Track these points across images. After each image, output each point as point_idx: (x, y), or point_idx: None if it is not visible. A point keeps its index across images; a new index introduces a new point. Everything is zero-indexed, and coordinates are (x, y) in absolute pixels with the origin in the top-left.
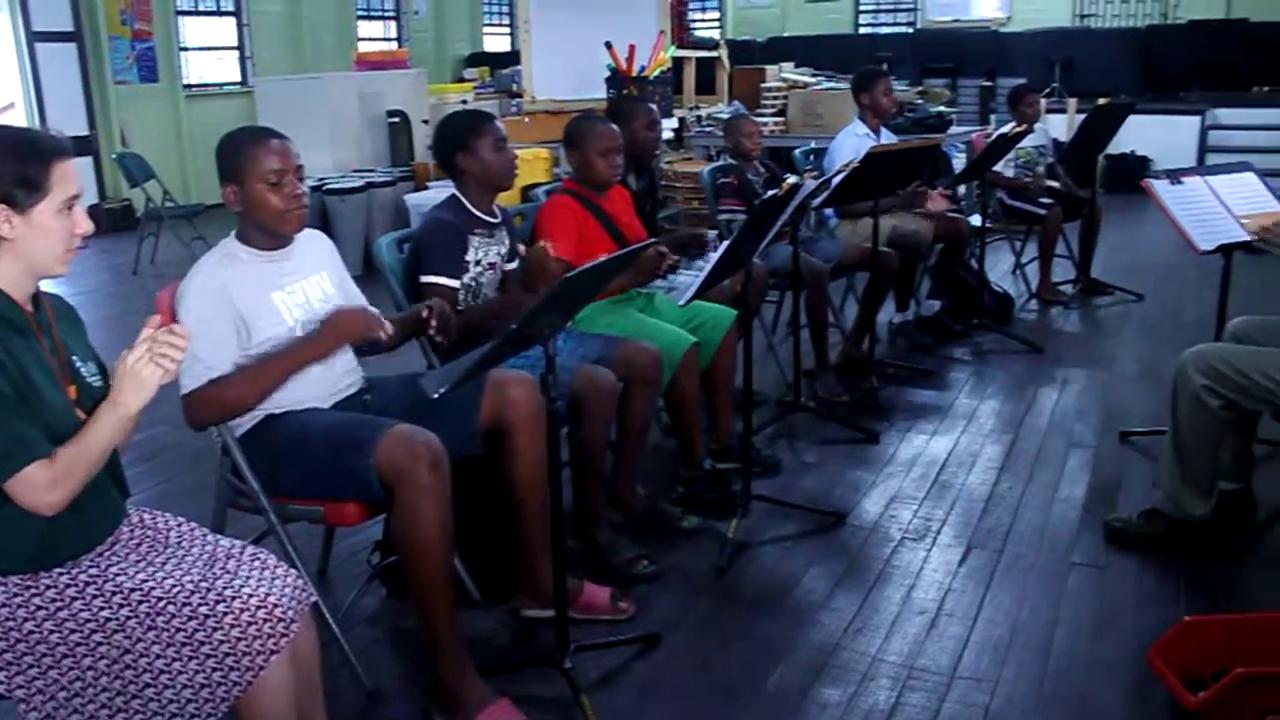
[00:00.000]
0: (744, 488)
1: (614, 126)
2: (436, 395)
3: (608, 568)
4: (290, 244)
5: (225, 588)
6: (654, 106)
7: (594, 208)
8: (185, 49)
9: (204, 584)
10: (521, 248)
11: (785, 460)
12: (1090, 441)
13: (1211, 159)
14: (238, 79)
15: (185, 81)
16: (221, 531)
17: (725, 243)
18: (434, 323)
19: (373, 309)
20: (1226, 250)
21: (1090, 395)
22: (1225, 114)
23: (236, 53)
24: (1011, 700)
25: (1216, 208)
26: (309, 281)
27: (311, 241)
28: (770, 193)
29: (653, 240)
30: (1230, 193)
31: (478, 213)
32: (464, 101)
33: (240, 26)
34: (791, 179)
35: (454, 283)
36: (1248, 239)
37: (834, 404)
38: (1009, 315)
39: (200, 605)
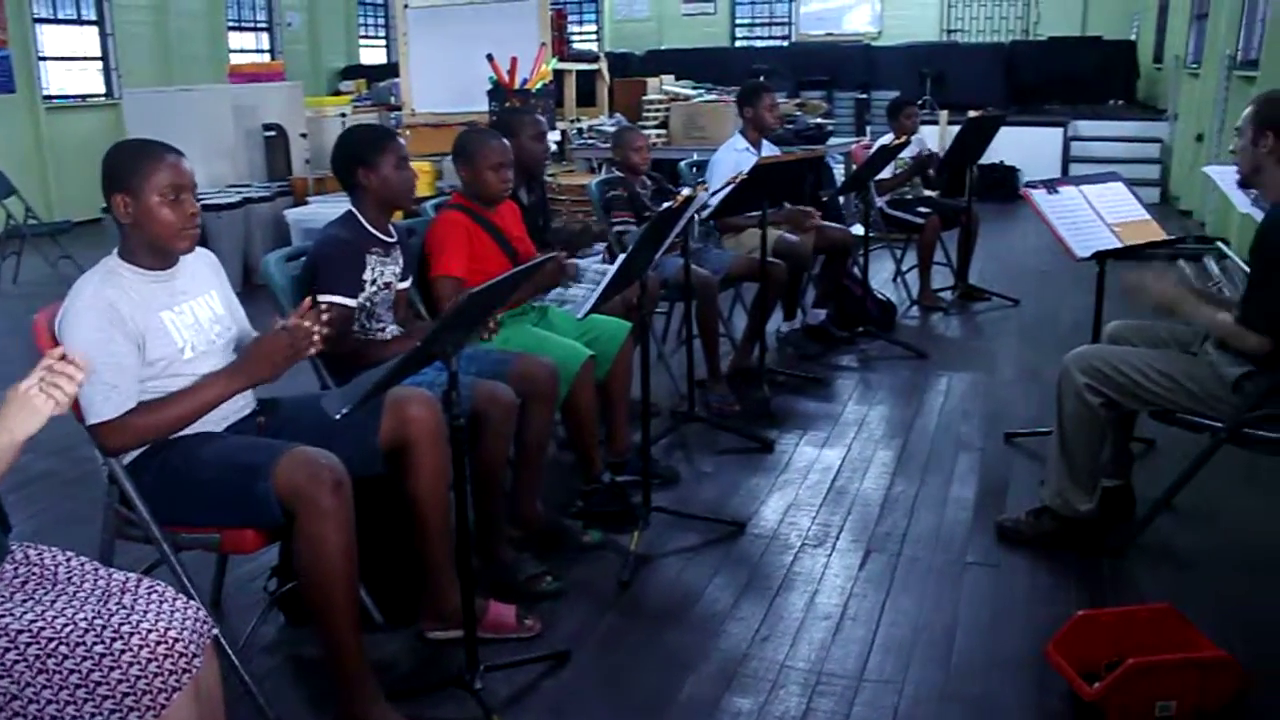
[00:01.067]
0: (644, 500)
1: (505, 141)
2: (339, 416)
3: (512, 586)
4: (177, 263)
5: (122, 624)
6: (541, 118)
7: (485, 222)
8: (45, 58)
9: (99, 621)
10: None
11: (682, 471)
12: (977, 444)
13: (1074, 169)
14: (102, 91)
15: (45, 92)
16: (109, 564)
17: (622, 256)
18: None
19: (284, 330)
20: (1101, 257)
21: (974, 398)
22: (1085, 126)
23: (100, 63)
24: (918, 700)
25: (1091, 216)
26: (198, 302)
27: (198, 260)
28: (665, 205)
29: (550, 255)
30: (1102, 201)
31: (374, 231)
32: (343, 115)
33: (104, 36)
34: (686, 190)
35: (351, 301)
36: (1120, 245)
37: (727, 413)
38: (892, 322)
39: (96, 644)
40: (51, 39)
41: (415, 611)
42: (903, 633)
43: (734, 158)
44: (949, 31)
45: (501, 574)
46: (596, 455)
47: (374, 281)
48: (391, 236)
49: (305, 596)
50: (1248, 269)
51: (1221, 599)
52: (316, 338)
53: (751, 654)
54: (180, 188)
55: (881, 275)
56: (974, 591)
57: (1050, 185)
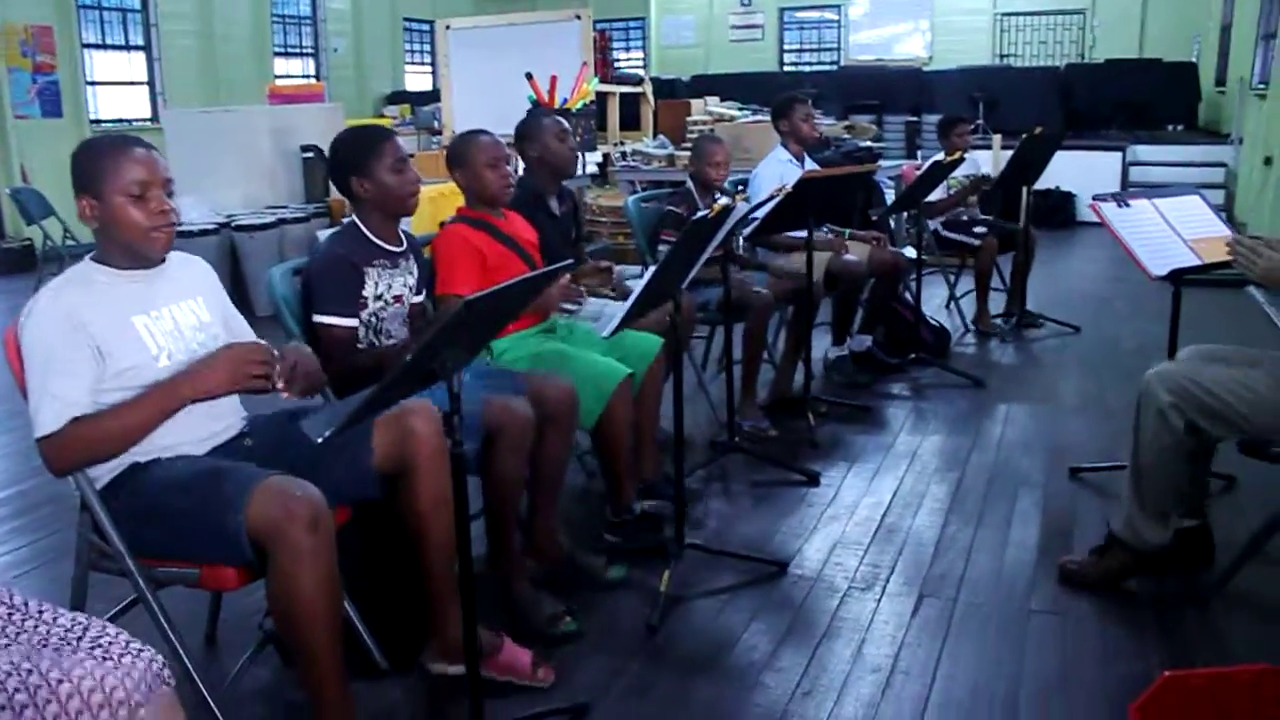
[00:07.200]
0: (677, 534)
1: (496, 137)
2: (320, 440)
3: (528, 625)
4: (161, 264)
5: (50, 670)
6: (562, 119)
7: (492, 229)
8: (93, 83)
9: (25, 666)
10: None
11: (719, 504)
12: (1039, 479)
13: None
14: (148, 115)
15: (93, 117)
16: (82, 600)
17: (651, 269)
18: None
19: (268, 345)
20: (1178, 276)
21: (1035, 430)
22: (1144, 150)
23: (147, 88)
24: None
25: (1166, 231)
26: (180, 306)
27: (186, 265)
28: (700, 214)
29: (569, 263)
30: (1178, 216)
31: (378, 241)
32: None
33: (151, 62)
34: (722, 200)
35: (349, 322)
36: (1199, 263)
37: (761, 439)
38: (946, 349)
39: (17, 693)
40: (101, 65)
41: (421, 653)
42: (961, 689)
43: (777, 169)
44: (1002, 56)
45: (517, 611)
46: (629, 484)
47: (379, 296)
48: (400, 245)
49: (282, 639)
50: None
51: None
52: (283, 389)
53: (792, 710)
54: (147, 184)
55: (933, 301)
56: (1039, 644)
57: (1120, 199)
